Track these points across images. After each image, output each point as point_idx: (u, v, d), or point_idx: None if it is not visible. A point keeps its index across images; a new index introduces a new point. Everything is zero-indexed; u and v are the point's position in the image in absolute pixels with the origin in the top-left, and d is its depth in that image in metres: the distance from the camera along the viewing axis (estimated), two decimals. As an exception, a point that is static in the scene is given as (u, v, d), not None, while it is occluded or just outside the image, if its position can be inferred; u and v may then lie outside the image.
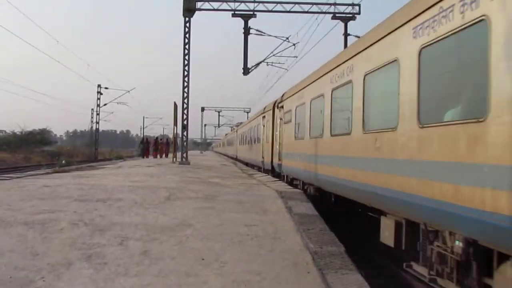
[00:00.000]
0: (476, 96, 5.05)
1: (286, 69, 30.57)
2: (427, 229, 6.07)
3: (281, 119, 18.77)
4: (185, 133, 28.01)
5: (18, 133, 58.07)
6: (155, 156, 45.22)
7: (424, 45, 6.09)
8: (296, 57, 28.68)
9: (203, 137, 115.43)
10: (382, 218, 7.62)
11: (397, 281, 7.74)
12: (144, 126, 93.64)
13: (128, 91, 56.97)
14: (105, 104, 56.88)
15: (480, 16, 4.84)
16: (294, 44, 27.90)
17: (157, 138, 52.95)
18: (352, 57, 9.19)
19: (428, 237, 6.07)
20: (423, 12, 6.11)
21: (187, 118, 27.50)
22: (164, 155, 45.07)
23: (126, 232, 6.70)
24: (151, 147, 47.72)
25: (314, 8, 26.93)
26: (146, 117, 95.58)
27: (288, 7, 27.21)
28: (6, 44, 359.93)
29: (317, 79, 12.45)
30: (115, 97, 57.43)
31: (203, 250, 5.81)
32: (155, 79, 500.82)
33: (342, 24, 27.40)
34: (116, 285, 4.46)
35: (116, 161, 38.63)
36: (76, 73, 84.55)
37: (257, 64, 28.74)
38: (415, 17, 6.35)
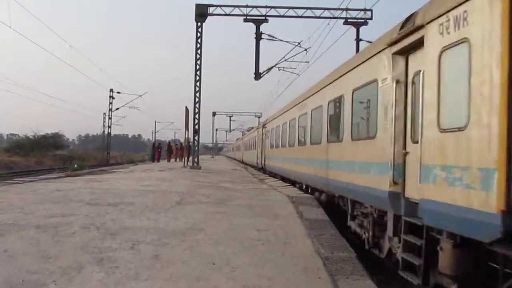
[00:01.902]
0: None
1: (297, 74, 30.60)
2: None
3: (265, 134, 28.76)
4: (196, 138, 28.10)
5: (31, 137, 58.42)
6: (169, 160, 45.94)
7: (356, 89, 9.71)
8: (308, 62, 28.72)
9: (214, 141, 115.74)
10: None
11: (409, 287, 7.66)
12: (156, 131, 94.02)
13: (140, 96, 57.31)
14: (117, 109, 57.26)
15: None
16: (305, 49, 27.92)
17: (169, 142, 53.58)
18: (308, 97, 14.97)
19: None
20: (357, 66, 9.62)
21: (198, 123, 27.60)
22: (178, 159, 45.51)
23: (137, 236, 6.72)
24: (164, 151, 48.47)
25: (326, 13, 26.93)
26: (158, 122, 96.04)
27: (300, 12, 27.25)
28: (19, 48, 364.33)
29: (280, 115, 22.17)
30: (127, 102, 57.75)
31: (214, 255, 5.80)
32: (167, 84, 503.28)
33: (354, 29, 27.37)
34: (127, 289, 4.47)
35: (127, 165, 38.82)
36: (89, 77, 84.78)
37: (269, 69, 28.77)
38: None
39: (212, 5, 26.79)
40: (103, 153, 58.78)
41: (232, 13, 27.00)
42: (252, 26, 26.97)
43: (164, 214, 8.85)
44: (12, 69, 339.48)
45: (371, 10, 27.11)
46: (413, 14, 6.94)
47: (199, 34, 26.74)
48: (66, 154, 59.22)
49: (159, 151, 49.38)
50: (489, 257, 5.19)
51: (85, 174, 21.12)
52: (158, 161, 46.92)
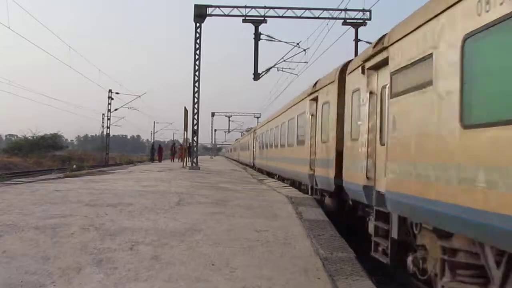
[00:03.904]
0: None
1: (296, 74, 30.68)
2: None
3: (255, 139, 37.35)
4: (195, 138, 28.10)
5: (29, 137, 58.39)
6: (172, 160, 47.85)
7: (300, 114, 16.50)
8: (307, 62, 28.78)
9: (213, 142, 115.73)
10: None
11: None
12: (155, 131, 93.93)
13: (139, 96, 57.18)
14: (116, 109, 57.18)
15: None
16: (304, 50, 27.96)
17: (174, 143, 54.79)
18: (281, 114, 21.78)
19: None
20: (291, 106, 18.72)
21: (197, 123, 27.60)
22: (180, 160, 46.38)
23: (137, 237, 6.71)
24: (166, 152, 49.82)
25: (325, 14, 26.94)
26: (157, 122, 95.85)
27: (298, 12, 27.28)
28: (17, 49, 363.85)
29: (266, 123, 29.22)
30: (126, 102, 57.68)
31: (213, 255, 5.80)
32: (166, 85, 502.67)
33: (352, 30, 27.38)
34: (127, 290, 4.46)
35: (126, 165, 38.80)
36: (88, 78, 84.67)
37: (268, 70, 28.77)
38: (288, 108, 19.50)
39: (211, 6, 26.80)
40: (102, 153, 58.72)
41: (231, 13, 27.01)
42: (251, 27, 27.03)
43: (163, 214, 8.85)
44: (10, 69, 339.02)
45: (369, 11, 27.14)
46: (315, 83, 13.98)
47: (198, 35, 26.75)
48: (65, 154, 59.22)
49: (160, 152, 50.39)
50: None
51: (84, 175, 21.10)
52: (160, 161, 47.60)
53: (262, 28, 27.01)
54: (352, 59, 10.89)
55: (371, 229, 8.29)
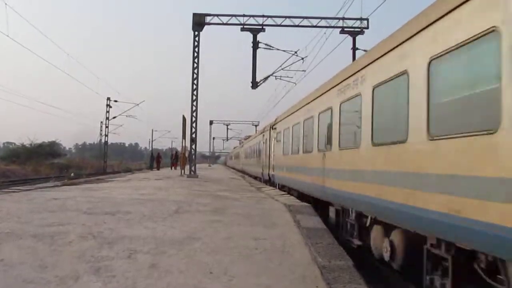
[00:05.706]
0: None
1: (294, 83, 30.80)
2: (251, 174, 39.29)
3: (243, 151, 55.61)
4: (193, 146, 28.10)
5: (27, 145, 58.28)
6: (175, 168, 50.05)
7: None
8: (305, 71, 28.89)
9: (211, 150, 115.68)
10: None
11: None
12: (153, 139, 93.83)
13: (137, 104, 57.37)
14: (114, 117, 57.25)
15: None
16: (302, 58, 28.08)
17: (176, 152, 56.18)
18: (258, 135, 36.82)
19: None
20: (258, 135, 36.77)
21: (195, 131, 27.66)
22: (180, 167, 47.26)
23: (135, 245, 6.70)
24: (164, 160, 50.84)
25: (323, 23, 27.14)
26: (155, 130, 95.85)
27: (296, 21, 27.43)
28: (16, 56, 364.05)
29: (248, 142, 50.98)
30: (124, 110, 57.77)
31: (211, 264, 5.78)
32: (165, 93, 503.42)
33: (350, 38, 27.51)
34: (125, 298, 4.44)
35: (125, 173, 38.74)
36: (86, 86, 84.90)
37: (266, 78, 28.89)
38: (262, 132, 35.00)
39: (210, 14, 26.96)
40: (100, 161, 58.71)
41: (229, 22, 27.15)
42: (249, 35, 27.14)
43: (162, 223, 8.83)
44: (9, 76, 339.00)
45: (367, 19, 27.35)
46: (265, 127, 29.52)
47: (196, 43, 26.85)
48: (63, 162, 59.16)
49: (159, 160, 50.87)
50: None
51: (82, 183, 21.07)
52: (158, 169, 47.88)
53: (260, 36, 27.22)
54: (274, 121, 23.71)
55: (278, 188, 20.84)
